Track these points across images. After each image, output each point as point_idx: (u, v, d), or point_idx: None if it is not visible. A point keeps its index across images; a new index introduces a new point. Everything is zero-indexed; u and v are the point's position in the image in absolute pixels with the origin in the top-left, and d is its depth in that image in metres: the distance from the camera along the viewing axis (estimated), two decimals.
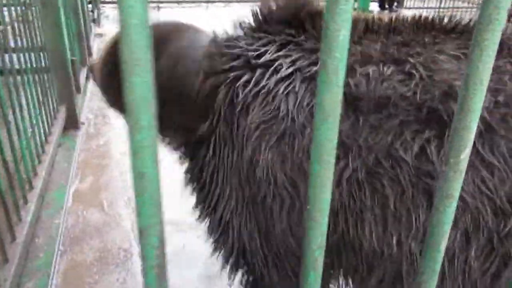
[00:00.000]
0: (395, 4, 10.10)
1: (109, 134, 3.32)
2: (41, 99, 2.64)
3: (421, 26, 1.16)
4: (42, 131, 2.61)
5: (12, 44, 2.42)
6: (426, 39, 1.12)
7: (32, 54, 2.63)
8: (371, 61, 1.08)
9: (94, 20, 7.54)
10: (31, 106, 2.43)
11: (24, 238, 1.91)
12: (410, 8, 10.27)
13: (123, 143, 3.18)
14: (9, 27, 2.50)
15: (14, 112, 2.12)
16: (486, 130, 0.98)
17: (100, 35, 6.65)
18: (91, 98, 4.05)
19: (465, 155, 0.57)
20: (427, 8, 10.16)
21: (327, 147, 0.54)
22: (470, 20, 1.18)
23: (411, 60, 1.06)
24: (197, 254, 2.13)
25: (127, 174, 2.75)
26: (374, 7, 9.92)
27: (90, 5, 7.63)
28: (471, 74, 0.55)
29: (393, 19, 1.19)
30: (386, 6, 9.94)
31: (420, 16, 1.19)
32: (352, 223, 1.08)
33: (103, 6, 9.18)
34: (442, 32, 1.15)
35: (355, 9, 6.61)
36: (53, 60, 3.08)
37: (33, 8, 2.84)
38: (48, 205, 2.40)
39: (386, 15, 1.27)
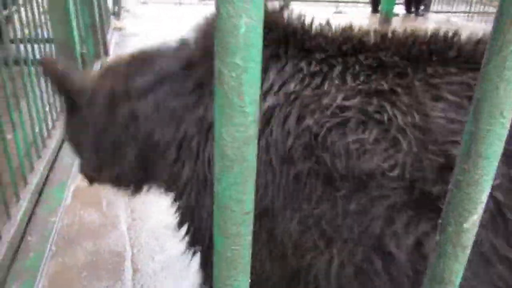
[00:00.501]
0: (422, 7, 9.78)
1: None
2: (43, 92, 2.56)
3: (415, 55, 0.93)
4: (44, 125, 2.53)
5: (19, 35, 2.36)
6: (416, 82, 0.87)
7: (37, 45, 2.56)
8: (349, 121, 0.85)
9: (114, 14, 7.53)
10: (30, 99, 2.35)
11: (11, 237, 1.82)
12: (437, 12, 9.94)
13: None
14: (16, 17, 2.44)
15: (7, 104, 2.04)
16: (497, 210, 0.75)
17: (119, 29, 6.61)
18: None
19: (471, 223, 0.39)
20: (455, 12, 9.81)
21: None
22: (479, 42, 0.93)
23: (398, 118, 0.82)
24: (193, 263, 2.01)
25: None
26: (401, 9, 9.64)
27: None
28: (483, 100, 0.38)
29: (383, 43, 0.98)
30: (412, 9, 9.63)
31: (414, 40, 0.97)
32: None
33: (125, 0, 9.18)
34: (441, 64, 0.90)
35: (377, 11, 6.30)
36: (61, 52, 3.01)
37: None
38: (46, 202, 2.32)
39: (384, 29, 1.06)
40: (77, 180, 2.56)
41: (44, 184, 2.38)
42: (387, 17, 5.01)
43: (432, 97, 0.83)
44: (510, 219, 0.75)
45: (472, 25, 8.88)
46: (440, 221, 0.45)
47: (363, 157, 0.81)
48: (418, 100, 0.83)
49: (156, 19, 7.64)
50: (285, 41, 0.99)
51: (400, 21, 8.87)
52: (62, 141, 2.96)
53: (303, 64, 0.95)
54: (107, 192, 2.43)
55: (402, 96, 0.85)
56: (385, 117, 0.82)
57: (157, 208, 2.31)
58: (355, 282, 0.87)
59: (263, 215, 0.92)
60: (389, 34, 1.01)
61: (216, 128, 0.36)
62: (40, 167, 2.30)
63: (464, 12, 9.64)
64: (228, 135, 0.36)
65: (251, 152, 0.37)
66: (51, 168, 2.53)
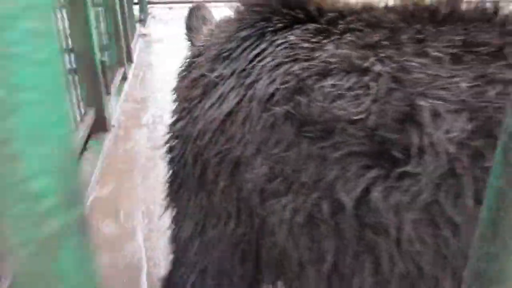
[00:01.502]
0: None
1: (139, 138, 3.21)
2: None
3: (409, 15, 0.91)
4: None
5: None
6: (404, 36, 0.84)
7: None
8: (332, 69, 0.86)
9: (140, 21, 7.61)
10: None
11: None
12: None
13: (150, 148, 3.05)
14: None
15: None
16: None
17: (144, 35, 6.67)
18: (126, 99, 4.00)
19: None
20: None
21: None
22: (478, 4, 0.88)
23: (377, 67, 0.80)
24: None
25: (149, 180, 2.62)
26: None
27: (137, 5, 7.72)
28: None
29: (379, 9, 0.98)
30: None
31: (415, 3, 0.94)
32: (292, 277, 0.89)
33: (151, 7, 9.29)
34: (433, 23, 0.87)
35: None
36: (81, 61, 3.01)
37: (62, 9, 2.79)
38: None
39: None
40: (96, 190, 2.54)
41: None
42: None
43: (414, 51, 0.81)
44: (460, 175, 0.64)
45: None
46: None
47: (335, 102, 0.81)
48: (400, 53, 0.81)
49: (181, 24, 7.67)
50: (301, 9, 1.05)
51: None
52: (84, 149, 2.97)
53: (309, 26, 1.00)
54: (125, 202, 2.40)
55: (387, 49, 0.84)
56: (364, 66, 0.82)
57: None
58: (304, 231, 0.84)
59: (236, 167, 0.94)
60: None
61: None
62: None
63: None
64: None
65: None
66: None
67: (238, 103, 0.97)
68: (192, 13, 1.65)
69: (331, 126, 0.79)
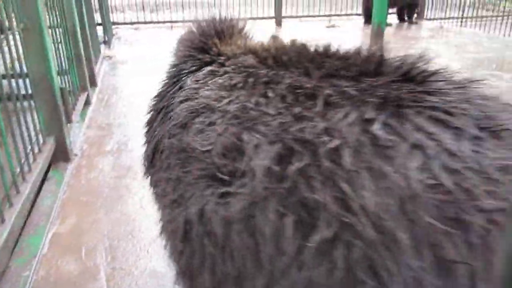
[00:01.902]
0: (415, 15, 9.70)
1: (102, 166, 3.07)
2: (15, 132, 2.39)
3: (268, 60, 1.06)
4: (18, 169, 2.37)
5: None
6: (259, 78, 0.99)
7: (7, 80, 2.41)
8: (201, 111, 1.03)
9: (104, 42, 7.46)
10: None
11: None
12: (431, 19, 9.85)
13: (114, 177, 2.92)
14: None
15: None
16: None
17: (109, 57, 6.52)
18: (89, 125, 3.85)
19: None
20: (448, 18, 9.71)
21: None
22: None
23: (226, 107, 0.97)
24: None
25: (113, 213, 2.48)
26: (394, 19, 9.55)
27: (101, 26, 7.57)
28: None
29: (257, 53, 1.14)
30: (406, 17, 9.55)
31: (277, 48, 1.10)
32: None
33: (116, 27, 9.15)
34: (282, 67, 1.02)
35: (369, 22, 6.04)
36: (38, 87, 2.86)
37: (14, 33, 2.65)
38: (21, 253, 2.14)
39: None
40: (56, 225, 2.38)
41: (17, 233, 2.20)
42: (380, 28, 4.88)
43: (258, 92, 0.93)
44: (268, 195, 0.77)
45: (466, 30, 8.77)
46: None
47: (197, 136, 0.97)
48: (248, 94, 0.94)
49: (147, 45, 7.57)
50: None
51: (394, 30, 8.77)
52: (44, 181, 2.80)
53: (208, 68, 1.22)
54: (87, 238, 2.25)
55: (240, 90, 0.98)
56: (217, 106, 0.98)
57: (141, 254, 2.12)
58: (176, 238, 1.02)
59: None
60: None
61: None
62: (12, 216, 2.11)
63: (457, 17, 9.54)
64: None
65: None
66: (25, 214, 2.36)
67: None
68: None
69: (191, 155, 0.96)
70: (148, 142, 1.30)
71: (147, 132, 1.35)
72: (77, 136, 3.56)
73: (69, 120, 3.30)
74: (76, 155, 3.25)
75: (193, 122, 1.01)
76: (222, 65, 1.18)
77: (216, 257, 0.84)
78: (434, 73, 0.83)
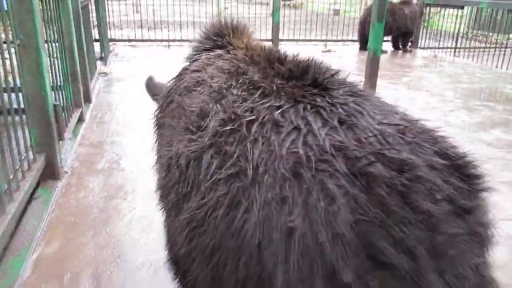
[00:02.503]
0: (409, 44, 9.86)
1: (92, 186, 3.01)
2: (3, 147, 2.33)
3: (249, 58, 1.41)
4: (5, 186, 2.30)
5: None
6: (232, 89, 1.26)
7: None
8: (202, 83, 1.41)
9: (101, 58, 7.45)
10: None
11: None
12: (425, 48, 10.02)
13: (104, 197, 2.85)
14: None
15: None
16: None
17: (105, 73, 6.50)
18: (81, 143, 3.79)
19: None
20: (442, 48, 9.89)
21: None
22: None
23: (210, 83, 1.34)
24: None
25: (100, 236, 2.41)
26: (389, 46, 9.70)
27: (98, 42, 7.57)
28: None
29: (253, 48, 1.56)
30: (400, 46, 9.70)
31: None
32: None
33: (113, 44, 9.17)
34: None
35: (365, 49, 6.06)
36: (31, 103, 2.82)
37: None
38: (2, 275, 2.06)
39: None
40: (41, 247, 2.30)
41: (6, 249, 2.12)
42: (375, 55, 4.93)
43: (234, 78, 1.26)
44: None
45: (459, 60, 8.92)
46: None
47: (192, 99, 1.33)
48: (229, 77, 1.29)
49: (144, 62, 7.57)
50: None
51: (388, 57, 8.90)
52: (32, 200, 2.73)
53: (217, 51, 1.67)
54: (71, 263, 2.18)
55: (226, 74, 1.33)
56: (209, 82, 1.32)
57: (127, 280, 2.05)
58: None
59: None
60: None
61: None
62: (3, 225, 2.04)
63: (451, 47, 9.71)
64: None
65: None
66: (11, 234, 2.28)
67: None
68: (148, 84, 2.03)
69: (184, 112, 1.29)
70: (166, 92, 1.63)
71: (169, 81, 1.70)
72: (69, 153, 3.51)
73: (61, 138, 3.24)
74: (66, 172, 3.18)
75: (194, 89, 1.36)
76: (228, 52, 1.58)
77: (180, 181, 1.13)
78: (331, 77, 1.16)
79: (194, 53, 1.75)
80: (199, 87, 1.33)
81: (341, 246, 0.72)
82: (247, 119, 1.02)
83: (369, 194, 0.75)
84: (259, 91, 1.11)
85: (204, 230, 0.97)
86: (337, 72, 1.19)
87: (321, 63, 1.24)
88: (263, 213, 0.84)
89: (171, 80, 1.68)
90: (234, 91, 1.16)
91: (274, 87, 1.11)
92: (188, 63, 1.70)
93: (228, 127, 1.04)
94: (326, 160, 0.82)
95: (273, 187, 0.85)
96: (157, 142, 1.57)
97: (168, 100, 1.54)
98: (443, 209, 0.76)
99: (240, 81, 1.21)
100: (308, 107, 0.99)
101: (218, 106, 1.14)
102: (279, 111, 1.00)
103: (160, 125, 1.56)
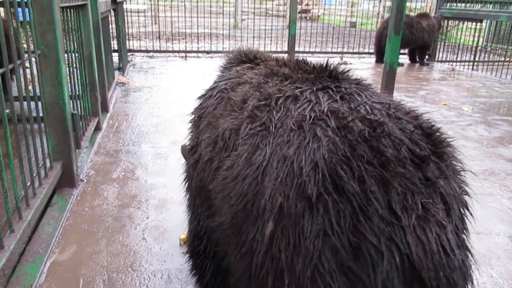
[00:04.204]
0: (426, 57, 9.78)
1: (107, 194, 3.04)
2: (21, 155, 2.37)
3: (272, 71, 1.63)
4: (22, 193, 2.34)
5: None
6: (272, 78, 1.55)
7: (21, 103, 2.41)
8: (243, 83, 1.66)
9: (119, 69, 7.58)
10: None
11: None
12: (442, 61, 9.93)
13: (118, 206, 2.88)
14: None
15: None
16: None
17: (123, 84, 6.60)
18: (98, 151, 3.84)
19: None
20: (460, 61, 9.78)
21: None
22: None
23: (251, 81, 1.60)
24: None
25: (113, 244, 2.42)
26: (405, 59, 9.64)
27: (116, 53, 7.71)
28: None
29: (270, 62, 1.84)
30: (417, 59, 9.63)
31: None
32: None
33: (131, 54, 9.33)
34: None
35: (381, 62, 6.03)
36: (50, 114, 2.88)
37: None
38: (17, 282, 2.08)
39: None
40: (56, 253, 2.33)
41: (15, 260, 2.14)
42: (392, 68, 4.90)
43: (269, 75, 1.57)
44: None
45: (477, 74, 8.79)
46: None
47: (236, 92, 1.57)
48: (265, 75, 1.59)
49: (161, 73, 7.68)
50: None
51: (405, 70, 8.83)
52: (48, 206, 2.77)
53: (246, 65, 1.94)
54: (86, 270, 2.19)
55: (261, 75, 1.60)
56: (252, 81, 1.57)
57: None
58: None
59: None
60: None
61: None
62: (11, 243, 2.07)
63: (469, 61, 9.59)
64: None
65: None
66: (26, 240, 2.31)
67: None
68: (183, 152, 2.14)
69: (230, 102, 1.52)
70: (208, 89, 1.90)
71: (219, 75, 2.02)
72: (85, 161, 3.55)
73: (78, 146, 3.29)
74: (82, 180, 3.23)
75: (237, 87, 1.61)
76: (257, 64, 1.87)
77: (222, 149, 1.36)
78: (344, 74, 1.43)
79: (226, 66, 2.05)
80: (241, 85, 1.60)
81: (314, 171, 0.97)
82: (276, 95, 1.30)
83: (344, 139, 1.00)
84: (288, 80, 1.42)
85: (233, 171, 1.22)
86: (349, 71, 1.47)
87: (338, 64, 1.51)
88: (270, 150, 1.12)
89: (211, 84, 1.97)
90: (270, 83, 1.44)
91: (300, 76, 1.42)
92: (221, 73, 1.99)
93: (262, 103, 1.31)
94: (322, 119, 1.09)
95: (282, 135, 1.12)
96: (198, 131, 1.78)
97: (213, 93, 1.80)
98: (399, 155, 0.96)
99: (274, 77, 1.50)
100: (321, 88, 1.28)
101: (257, 92, 1.40)
102: (299, 90, 1.29)
103: (202, 116, 1.80)
